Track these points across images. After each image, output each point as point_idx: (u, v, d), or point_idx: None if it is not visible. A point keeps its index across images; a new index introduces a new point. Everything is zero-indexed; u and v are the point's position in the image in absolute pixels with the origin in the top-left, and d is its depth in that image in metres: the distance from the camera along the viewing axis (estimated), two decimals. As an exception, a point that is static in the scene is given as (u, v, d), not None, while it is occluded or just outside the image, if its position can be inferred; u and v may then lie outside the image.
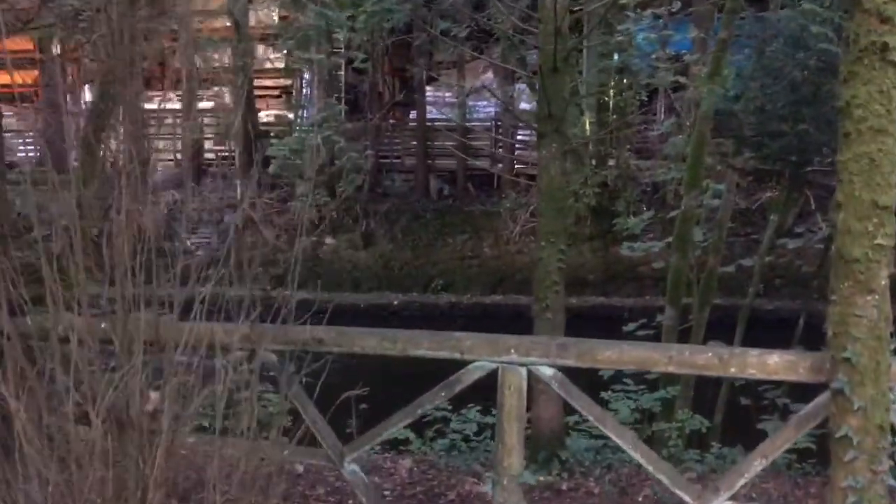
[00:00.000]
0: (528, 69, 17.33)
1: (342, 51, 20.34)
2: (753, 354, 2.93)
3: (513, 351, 3.14)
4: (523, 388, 3.15)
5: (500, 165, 19.70)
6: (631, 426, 5.45)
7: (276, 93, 24.03)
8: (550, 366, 3.15)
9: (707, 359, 2.97)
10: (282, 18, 20.93)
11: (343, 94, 20.47)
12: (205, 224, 19.35)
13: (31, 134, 20.61)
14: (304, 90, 22.50)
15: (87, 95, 22.53)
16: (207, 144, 21.04)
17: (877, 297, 2.58)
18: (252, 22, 23.69)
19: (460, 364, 3.21)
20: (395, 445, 6.32)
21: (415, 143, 19.90)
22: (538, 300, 5.18)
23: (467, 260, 18.83)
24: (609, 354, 3.08)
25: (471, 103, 19.90)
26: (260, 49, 23.88)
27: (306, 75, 21.88)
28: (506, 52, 17.54)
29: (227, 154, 20.40)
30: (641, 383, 6.88)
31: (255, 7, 22.68)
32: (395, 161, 20.17)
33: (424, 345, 3.20)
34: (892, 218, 2.53)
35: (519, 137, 20.13)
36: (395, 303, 18.29)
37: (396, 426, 3.34)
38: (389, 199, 19.38)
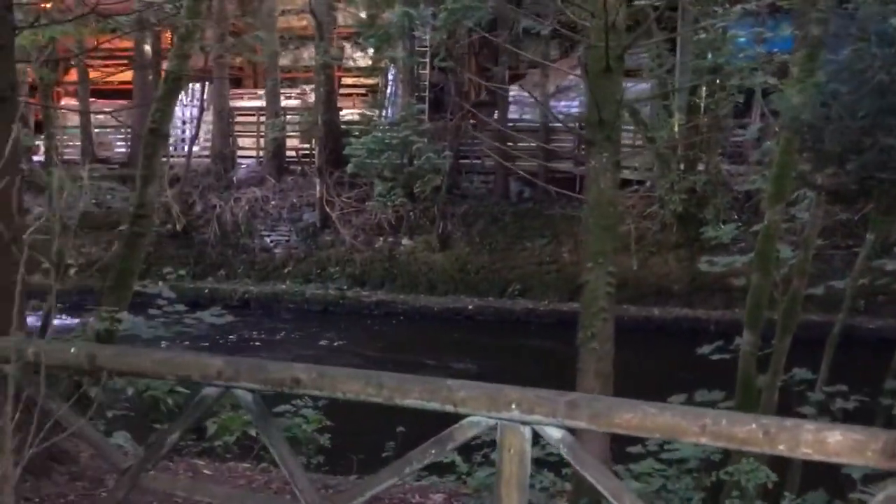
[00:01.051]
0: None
1: (426, 49, 20.09)
2: (809, 429, 2.34)
3: (514, 406, 2.64)
4: (526, 452, 2.65)
5: (583, 167, 18.94)
6: (689, 473, 4.84)
7: (363, 91, 23.93)
8: (558, 426, 2.62)
9: (749, 431, 2.39)
10: (370, 17, 20.74)
11: (427, 93, 20.17)
12: (284, 222, 19.38)
13: (125, 130, 21.18)
14: (389, 89, 22.34)
15: (181, 94, 22.94)
16: (291, 142, 21.11)
17: None
18: (340, 20, 23.74)
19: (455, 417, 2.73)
20: (436, 470, 5.84)
21: (495, 143, 19.38)
22: (583, 328, 4.64)
23: (545, 265, 18.22)
24: (629, 418, 2.54)
25: (553, 103, 19.27)
26: (347, 48, 23.89)
27: (391, 74, 21.71)
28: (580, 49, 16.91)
29: (307, 152, 20.41)
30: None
31: (340, 5, 22.65)
32: (474, 162, 19.71)
33: (414, 393, 2.73)
34: None
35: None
36: (470, 307, 17.87)
37: (384, 483, 2.88)
38: (467, 201, 18.95)
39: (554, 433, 2.65)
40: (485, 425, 2.72)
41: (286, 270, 18.95)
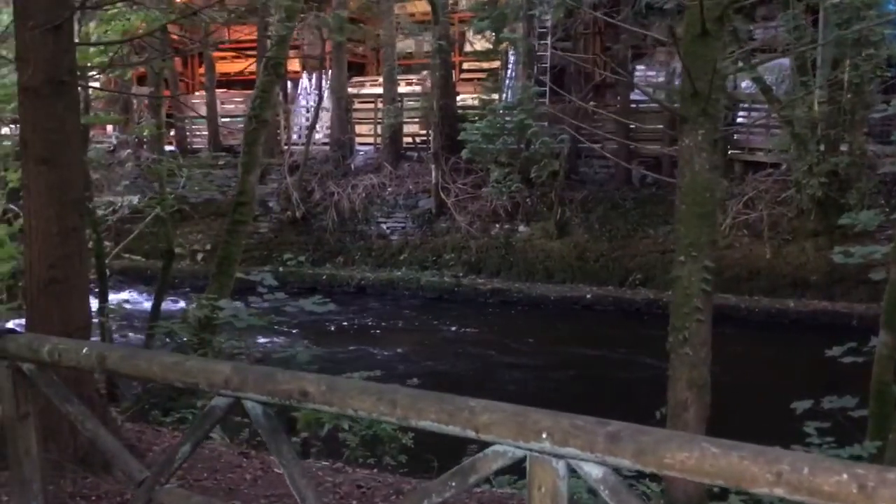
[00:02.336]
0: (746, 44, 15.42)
1: (546, 30, 19.44)
2: (918, 485, 1.77)
3: (545, 436, 2.18)
4: (561, 492, 2.19)
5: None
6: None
7: (483, 76, 23.54)
8: (598, 463, 2.14)
9: (838, 484, 1.85)
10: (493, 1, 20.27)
11: (547, 76, 19.53)
12: (400, 208, 19.30)
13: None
14: (508, 72, 21.84)
15: (305, 83, 23.31)
16: (408, 129, 21.01)
17: None
18: (462, 3, 23.42)
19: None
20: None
21: (617, 126, 18.55)
22: (674, 329, 4.08)
23: (669, 254, 17.06)
24: (683, 458, 2.03)
25: (678, 83, 18.17)
26: (468, 32, 23.55)
27: (511, 57, 21.21)
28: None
29: (423, 138, 20.24)
30: (830, 432, 5.49)
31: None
32: (594, 146, 18.93)
33: (431, 414, 2.32)
34: None
35: (739, 120, 18.18)
36: (588, 296, 17.20)
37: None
38: (587, 187, 18.25)
39: (593, 471, 2.18)
40: (511, 456, 2.28)
41: (402, 257, 18.88)
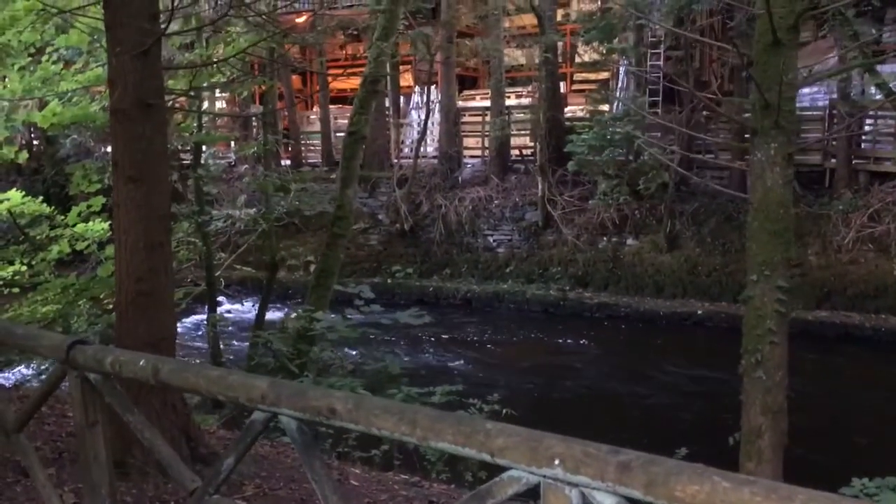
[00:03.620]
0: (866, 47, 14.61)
1: (658, 40, 19.02)
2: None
3: (557, 462, 2.13)
4: (574, 520, 2.13)
5: (835, 160, 16.96)
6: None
7: (594, 87, 23.29)
8: (610, 493, 2.08)
9: (853, 527, 1.72)
10: (604, 10, 20.04)
11: (659, 86, 19.10)
12: (507, 221, 19.29)
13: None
14: (620, 83, 21.51)
15: (417, 97, 23.74)
16: (516, 141, 21.00)
17: None
18: (572, 16, 23.25)
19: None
20: None
21: (734, 135, 17.89)
22: (747, 352, 3.90)
23: (789, 269, 16.46)
24: (694, 491, 1.94)
25: (801, 91, 17.38)
26: (579, 44, 23.36)
27: (622, 67, 20.89)
28: (836, 29, 15.02)
29: (531, 150, 20.17)
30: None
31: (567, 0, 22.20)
32: (707, 157, 18.34)
33: (448, 436, 2.31)
34: None
35: (867, 128, 17.21)
36: (700, 312, 16.65)
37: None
38: (698, 199, 17.66)
39: (606, 501, 2.11)
40: (526, 482, 2.24)
41: (508, 270, 18.84)
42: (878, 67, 15.32)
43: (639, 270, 17.77)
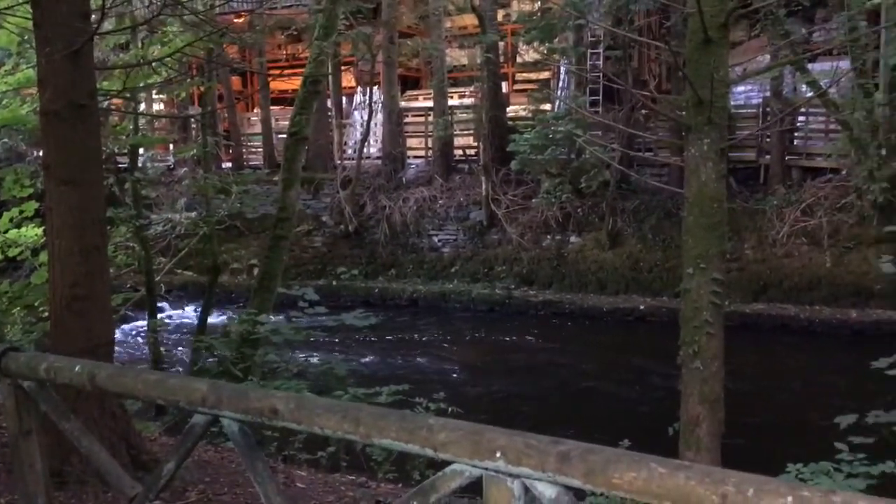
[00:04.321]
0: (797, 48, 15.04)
1: (598, 39, 19.29)
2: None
3: (499, 455, 2.16)
4: (515, 512, 2.16)
5: (769, 157, 17.43)
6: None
7: (536, 87, 23.51)
8: (551, 482, 2.11)
9: (784, 507, 1.77)
10: (544, 11, 20.24)
11: (599, 85, 19.37)
12: (452, 221, 19.35)
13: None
14: (560, 82, 21.76)
15: (359, 98, 23.62)
16: (460, 141, 21.08)
17: None
18: (513, 16, 23.42)
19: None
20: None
21: (671, 133, 18.25)
22: (685, 344, 3.99)
23: (726, 263, 16.78)
24: (631, 478, 1.99)
25: (734, 88, 17.81)
26: (520, 44, 23.54)
27: (562, 67, 21.12)
28: (768, 27, 15.44)
29: (473, 150, 20.27)
30: (872, 448, 5.26)
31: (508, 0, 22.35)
32: (647, 154, 18.68)
33: (391, 432, 2.32)
34: None
35: (799, 124, 17.74)
36: (642, 307, 16.93)
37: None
38: (639, 196, 17.96)
39: (547, 490, 2.14)
40: (469, 475, 2.26)
41: (453, 269, 18.91)
42: (809, 65, 15.82)
43: (582, 267, 17.99)
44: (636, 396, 12.33)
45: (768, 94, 17.39)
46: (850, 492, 1.78)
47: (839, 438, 5.69)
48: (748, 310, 16.06)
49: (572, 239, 18.27)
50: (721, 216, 3.94)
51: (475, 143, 20.45)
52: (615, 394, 12.57)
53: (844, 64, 15.42)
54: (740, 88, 17.66)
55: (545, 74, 23.47)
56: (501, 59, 22.03)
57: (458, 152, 20.64)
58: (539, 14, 18.59)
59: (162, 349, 10.50)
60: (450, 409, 6.12)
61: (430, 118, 20.53)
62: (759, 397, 11.35)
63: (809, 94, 16.24)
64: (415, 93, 24.98)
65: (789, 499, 1.79)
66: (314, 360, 9.97)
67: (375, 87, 21.15)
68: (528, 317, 17.37)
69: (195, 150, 13.66)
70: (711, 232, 3.86)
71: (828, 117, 16.43)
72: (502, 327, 16.68)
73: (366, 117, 21.72)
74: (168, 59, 6.95)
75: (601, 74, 19.14)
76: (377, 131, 21.20)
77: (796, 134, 17.62)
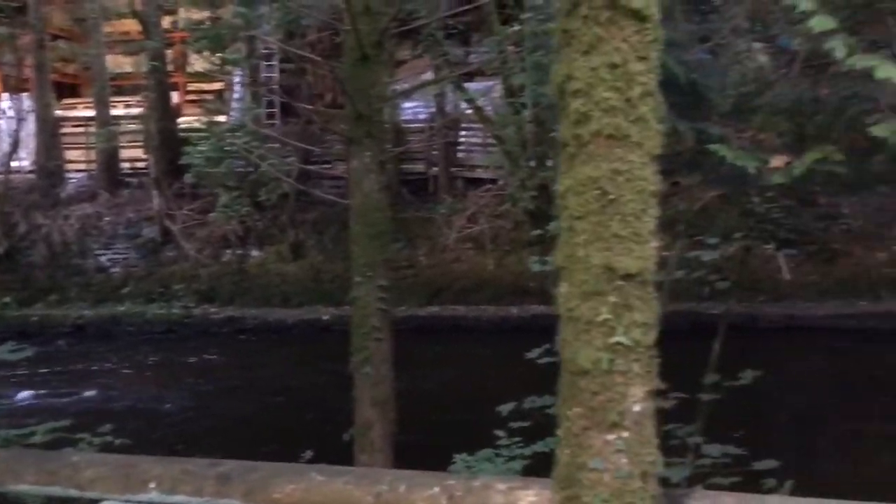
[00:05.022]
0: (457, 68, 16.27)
1: (273, 51, 19.21)
2: (500, 490, 1.86)
3: (153, 485, 2.03)
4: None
5: (436, 168, 18.62)
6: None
7: (211, 97, 22.77)
8: (211, 509, 2.03)
9: (431, 498, 1.88)
10: (213, 20, 19.65)
11: (277, 96, 19.29)
12: (121, 238, 18.07)
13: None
14: (235, 93, 21.32)
15: (4, 104, 21.12)
16: (128, 153, 19.77)
17: (625, 434, 1.51)
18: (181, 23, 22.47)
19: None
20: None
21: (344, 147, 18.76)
22: (356, 350, 4.11)
23: (402, 270, 17.66)
24: (291, 490, 1.99)
25: (405, 105, 18.81)
26: (191, 52, 22.66)
27: (237, 77, 20.70)
28: (429, 48, 16.54)
29: (143, 163, 19.15)
30: (530, 431, 5.79)
31: (176, 6, 21.46)
32: (324, 167, 18.99)
33: (29, 476, 2.07)
34: (650, 296, 1.48)
35: (461, 139, 19.15)
36: (326, 317, 17.12)
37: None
38: (318, 207, 18.18)
39: (206, 515, 2.06)
40: (123, 511, 2.11)
41: (125, 291, 17.65)
42: (467, 84, 17.18)
43: (265, 281, 17.79)
44: (324, 406, 12.44)
45: (434, 110, 18.59)
46: (487, 476, 1.95)
47: (501, 426, 6.23)
48: (423, 313, 16.96)
49: (254, 252, 18.00)
50: (385, 225, 4.12)
51: (145, 156, 19.31)
52: (304, 405, 12.57)
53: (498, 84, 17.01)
54: (408, 104, 18.64)
55: (219, 85, 22.87)
56: (171, 67, 21.07)
57: (126, 165, 19.34)
58: (208, 22, 18.07)
59: None
60: (117, 442, 5.68)
61: (92, 128, 19.01)
62: (435, 394, 12.03)
63: (468, 111, 17.66)
64: (73, 101, 22.93)
65: (436, 489, 1.91)
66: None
67: (25, 94, 19.11)
68: (211, 335, 16.76)
69: None
70: (376, 240, 4.02)
71: (485, 132, 17.96)
72: (183, 348, 15.90)
73: (14, 127, 19.53)
74: None
75: (278, 87, 19.16)
76: (29, 142, 19.14)
77: (459, 147, 19.02)
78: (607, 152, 1.50)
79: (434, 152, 18.39)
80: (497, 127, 16.56)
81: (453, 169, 18.60)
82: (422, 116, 19.28)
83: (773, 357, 11.67)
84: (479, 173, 18.45)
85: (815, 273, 15.68)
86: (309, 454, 5.89)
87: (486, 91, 16.70)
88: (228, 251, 17.90)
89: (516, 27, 15.13)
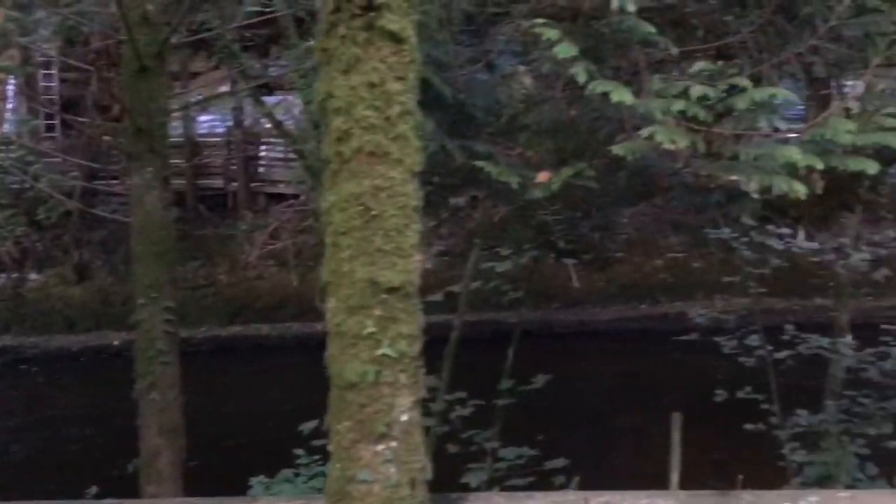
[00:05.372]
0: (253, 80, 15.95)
1: (50, 59, 17.88)
2: None
3: None
4: None
5: (236, 184, 18.13)
6: None
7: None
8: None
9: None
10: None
11: (57, 108, 17.96)
12: None
13: None
14: (10, 104, 19.63)
15: None
16: None
17: (394, 444, 1.56)
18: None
19: None
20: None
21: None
22: (140, 376, 3.91)
23: (201, 289, 17.03)
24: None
25: (201, 117, 18.19)
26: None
27: (11, 86, 19.08)
28: (225, 60, 16.09)
29: None
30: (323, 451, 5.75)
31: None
32: (112, 182, 17.91)
33: None
34: (414, 308, 1.54)
35: (261, 153, 18.76)
36: (116, 342, 16.08)
37: None
38: (106, 226, 17.10)
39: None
40: None
41: None
42: (265, 98, 16.86)
43: (46, 306, 16.51)
44: (113, 437, 11.70)
45: (232, 123, 18.11)
46: (268, 497, 1.93)
47: (302, 445, 6.16)
48: (224, 333, 16.43)
49: (32, 276, 16.65)
50: (169, 244, 3.96)
51: None
52: (90, 437, 11.78)
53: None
54: (205, 118, 18.05)
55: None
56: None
57: None
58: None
59: None
60: None
61: None
62: (236, 416, 11.68)
63: (268, 125, 17.33)
64: None
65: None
66: None
67: None
68: (-20, 369, 15.28)
69: None
70: (160, 259, 3.85)
71: (286, 147, 17.72)
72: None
73: None
74: None
75: (59, 97, 17.88)
76: None
77: (260, 162, 18.64)
78: (369, 169, 1.54)
79: (233, 167, 17.91)
80: (297, 141, 16.40)
81: (254, 184, 18.20)
82: (219, 130, 18.74)
83: (566, 361, 12.39)
84: (282, 188, 18.18)
85: (601, 280, 16.80)
86: (94, 490, 5.53)
87: (286, 105, 16.48)
88: (3, 275, 16.44)
89: (312, 42, 15.09)
